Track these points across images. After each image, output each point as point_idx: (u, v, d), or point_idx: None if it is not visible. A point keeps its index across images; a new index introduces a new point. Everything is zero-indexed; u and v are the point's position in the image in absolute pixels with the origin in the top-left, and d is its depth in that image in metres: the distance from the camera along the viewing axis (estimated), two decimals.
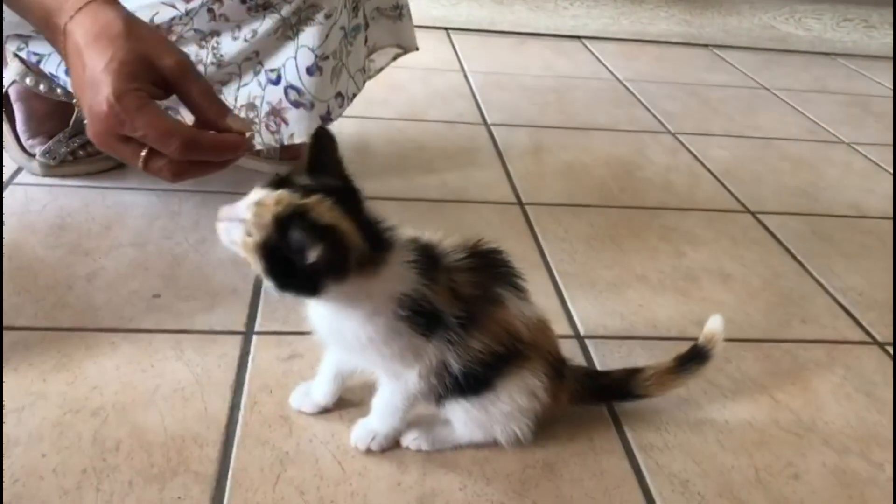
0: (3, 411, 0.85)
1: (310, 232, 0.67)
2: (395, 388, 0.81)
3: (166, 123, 0.77)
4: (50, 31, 0.83)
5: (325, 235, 0.67)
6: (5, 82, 1.29)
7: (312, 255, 0.67)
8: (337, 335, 0.79)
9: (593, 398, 0.92)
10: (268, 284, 0.72)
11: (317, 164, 0.74)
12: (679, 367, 0.91)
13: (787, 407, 0.99)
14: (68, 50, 0.81)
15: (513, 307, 0.80)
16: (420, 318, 0.75)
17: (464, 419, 0.83)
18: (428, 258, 0.77)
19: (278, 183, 0.72)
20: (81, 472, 0.78)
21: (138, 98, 0.76)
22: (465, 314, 0.76)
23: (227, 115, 0.80)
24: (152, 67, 0.79)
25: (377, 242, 0.73)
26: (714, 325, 0.91)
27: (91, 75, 0.77)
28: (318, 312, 0.79)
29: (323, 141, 0.75)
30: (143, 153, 0.78)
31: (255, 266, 0.71)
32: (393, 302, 0.74)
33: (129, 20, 0.80)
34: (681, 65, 2.58)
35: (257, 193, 0.71)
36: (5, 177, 1.35)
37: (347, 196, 0.73)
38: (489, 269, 0.81)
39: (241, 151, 0.80)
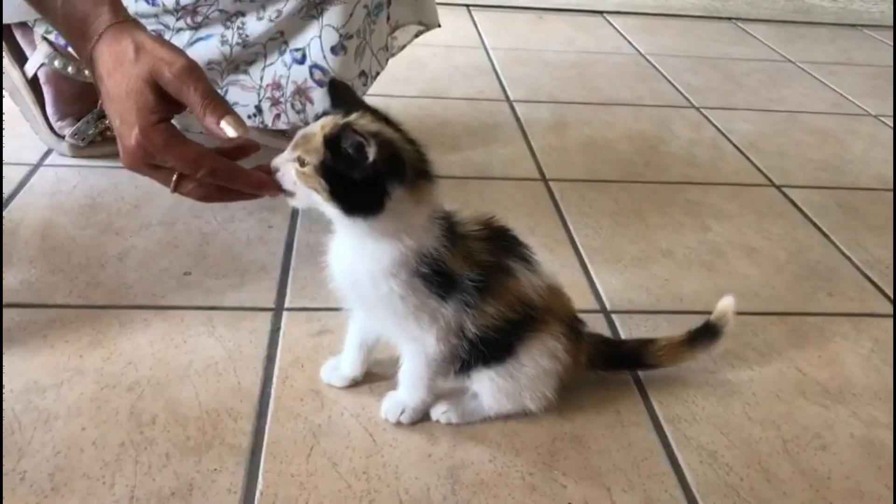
0: (43, 386, 0.87)
1: (362, 135, 0.70)
2: (415, 353, 0.83)
3: (193, 153, 0.79)
4: (80, 55, 0.86)
5: (375, 136, 0.70)
6: (34, 65, 1.31)
7: (371, 153, 0.69)
8: (355, 286, 0.79)
9: (609, 365, 0.94)
10: (333, 212, 0.74)
11: (340, 106, 0.77)
12: (691, 340, 0.93)
13: (814, 379, 0.99)
14: (95, 76, 0.84)
15: (523, 277, 0.82)
16: (437, 278, 0.77)
17: (491, 390, 0.84)
18: (449, 223, 0.79)
19: (318, 118, 0.76)
20: (120, 445, 0.80)
21: (164, 132, 0.79)
22: (480, 279, 0.78)
23: (222, 119, 0.79)
24: (159, 88, 0.80)
25: (425, 167, 0.77)
26: (725, 304, 0.93)
27: (117, 108, 0.80)
28: (343, 258, 0.80)
29: (338, 88, 0.80)
30: (174, 178, 0.81)
31: (319, 193, 0.73)
32: (418, 256, 0.76)
33: (139, 43, 0.81)
34: (704, 38, 2.55)
35: (300, 132, 0.75)
36: (36, 158, 1.37)
37: (391, 121, 0.77)
38: (500, 241, 0.83)
39: (267, 191, 0.80)
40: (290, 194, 0.77)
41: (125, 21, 0.84)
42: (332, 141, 0.71)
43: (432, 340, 0.80)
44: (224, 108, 0.79)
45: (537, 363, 0.83)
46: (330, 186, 0.73)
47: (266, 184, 0.79)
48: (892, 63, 2.44)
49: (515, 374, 0.83)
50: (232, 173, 0.80)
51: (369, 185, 0.72)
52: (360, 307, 0.85)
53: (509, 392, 0.84)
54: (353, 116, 0.74)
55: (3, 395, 0.85)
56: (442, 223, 0.78)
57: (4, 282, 1.03)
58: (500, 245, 0.82)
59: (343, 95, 0.79)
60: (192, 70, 0.79)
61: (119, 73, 0.80)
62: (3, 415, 0.83)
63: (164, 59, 0.79)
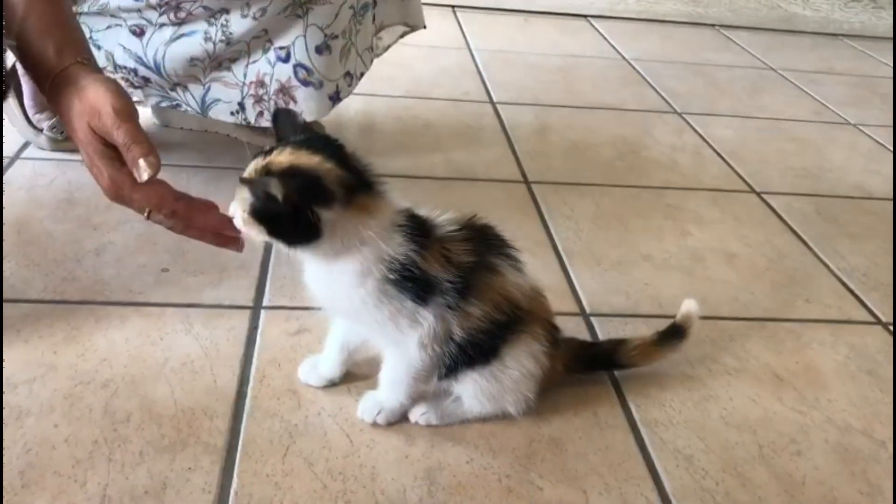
0: (15, 382, 0.86)
1: (264, 178, 0.72)
2: (397, 358, 0.83)
3: (157, 195, 0.86)
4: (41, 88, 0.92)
5: (281, 173, 0.72)
6: (13, 57, 1.29)
7: (276, 191, 0.71)
8: (332, 299, 0.81)
9: (585, 367, 0.95)
10: (280, 247, 0.77)
11: (284, 136, 0.79)
12: (660, 340, 0.95)
13: (790, 385, 1.00)
14: (62, 121, 0.92)
15: (509, 275, 0.81)
16: (409, 283, 0.76)
17: (474, 391, 0.84)
18: (419, 227, 0.79)
19: (255, 156, 0.77)
20: (93, 443, 0.79)
21: (130, 176, 0.85)
22: (460, 280, 0.78)
23: (137, 160, 0.83)
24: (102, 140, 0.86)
25: (361, 178, 0.76)
26: (689, 307, 0.95)
27: (84, 151, 0.88)
28: (315, 277, 0.80)
29: (282, 116, 0.81)
30: (146, 210, 0.88)
31: (262, 235, 0.76)
32: (382, 264, 0.76)
33: (79, 91, 0.86)
34: (687, 45, 2.57)
35: (241, 178, 0.77)
36: (13, 151, 1.36)
37: (318, 143, 0.77)
38: (483, 240, 0.82)
39: (225, 239, 0.88)
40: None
41: (70, 65, 0.89)
42: (255, 188, 0.74)
43: (414, 346, 0.79)
44: (140, 150, 0.83)
45: (521, 365, 0.83)
46: (266, 227, 0.75)
47: (223, 228, 0.86)
48: (871, 73, 2.47)
49: (499, 376, 0.83)
50: (191, 215, 0.87)
51: (297, 217, 0.73)
52: (342, 318, 0.86)
53: (492, 394, 0.84)
54: (271, 156, 0.75)
55: None
56: (407, 228, 0.77)
57: None
58: (484, 243, 0.82)
59: (286, 123, 0.80)
60: (116, 115, 0.84)
61: (74, 122, 0.87)
62: None
63: (94, 107, 0.85)
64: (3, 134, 1.37)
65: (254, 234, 0.76)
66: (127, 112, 0.85)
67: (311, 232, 0.74)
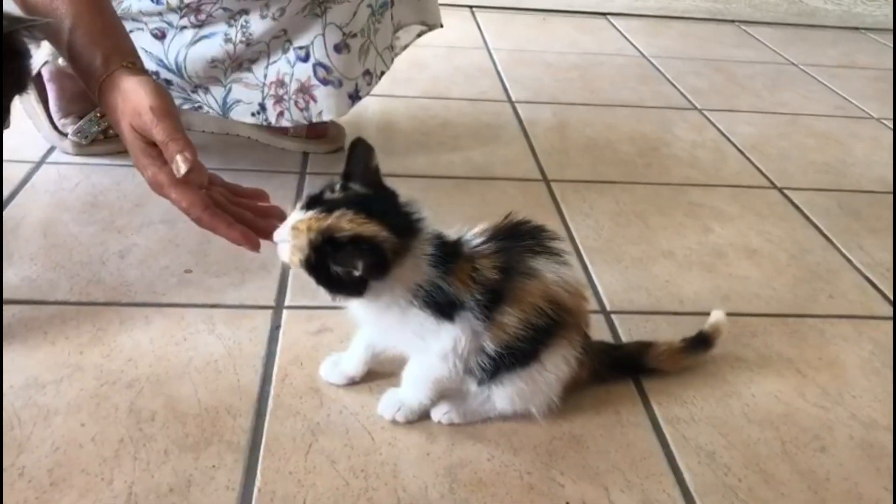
0: (43, 382, 0.87)
1: (350, 253, 0.73)
2: (421, 363, 0.83)
3: (186, 200, 0.90)
4: (91, 94, 0.96)
5: (358, 248, 0.73)
6: (38, 62, 1.31)
7: (360, 269, 0.72)
8: (356, 317, 0.83)
9: (611, 372, 0.94)
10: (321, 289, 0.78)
11: (351, 173, 0.78)
12: (687, 348, 0.96)
13: (813, 381, 0.99)
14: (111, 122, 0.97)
15: (551, 275, 0.81)
16: (435, 308, 0.77)
17: (508, 392, 0.83)
18: (447, 250, 0.78)
19: (310, 202, 0.77)
20: (119, 442, 0.81)
21: (168, 176, 0.90)
22: (488, 297, 0.78)
23: (174, 156, 0.87)
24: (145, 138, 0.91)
25: (405, 230, 0.76)
26: (717, 318, 0.97)
27: (130, 150, 0.93)
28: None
29: (359, 151, 0.79)
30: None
31: (307, 276, 0.77)
32: (409, 292, 0.77)
33: (123, 94, 0.91)
34: (707, 41, 2.55)
35: (293, 216, 0.77)
36: (38, 155, 1.38)
37: (374, 200, 0.77)
38: (519, 243, 0.81)
39: (247, 246, 0.91)
40: None
41: (115, 70, 0.93)
42: (318, 250, 0.74)
43: (436, 357, 0.80)
44: (176, 147, 0.87)
45: (559, 368, 0.83)
46: (315, 279, 0.76)
47: (247, 239, 0.90)
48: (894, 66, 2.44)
49: (537, 377, 0.83)
50: (214, 225, 0.90)
51: (353, 282, 0.75)
52: (365, 327, 0.87)
53: (525, 395, 0.84)
54: (334, 217, 0.74)
55: (3, 391, 0.85)
56: (434, 255, 0.77)
57: (6, 279, 1.04)
58: (520, 248, 0.81)
59: (357, 164, 0.78)
60: (154, 113, 0.88)
61: (119, 123, 0.92)
62: (3, 410, 0.83)
63: (135, 108, 0.89)
64: (21, 137, 1.39)
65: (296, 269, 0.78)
66: (164, 110, 0.89)
67: (358, 293, 0.76)
